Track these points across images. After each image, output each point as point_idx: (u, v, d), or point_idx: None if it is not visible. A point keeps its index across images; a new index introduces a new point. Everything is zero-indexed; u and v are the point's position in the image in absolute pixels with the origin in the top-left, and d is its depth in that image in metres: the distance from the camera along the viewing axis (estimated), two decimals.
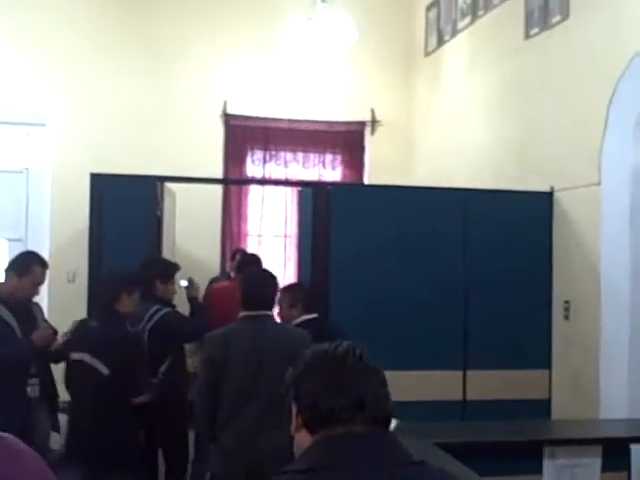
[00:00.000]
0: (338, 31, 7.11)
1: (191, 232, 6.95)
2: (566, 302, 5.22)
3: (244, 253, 6.56)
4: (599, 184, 4.87)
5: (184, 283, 5.12)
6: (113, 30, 7.43)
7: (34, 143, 7.33)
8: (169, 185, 5.83)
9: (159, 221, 5.42)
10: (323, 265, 5.19)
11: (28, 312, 4.37)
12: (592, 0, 5.05)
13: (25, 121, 7.26)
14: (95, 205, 5.15)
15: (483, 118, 6.56)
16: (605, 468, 3.67)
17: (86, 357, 4.06)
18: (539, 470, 3.64)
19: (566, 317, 5.22)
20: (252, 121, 7.75)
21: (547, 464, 3.64)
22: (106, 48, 7.41)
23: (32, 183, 7.33)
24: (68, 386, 4.29)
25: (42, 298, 5.29)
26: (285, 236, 7.78)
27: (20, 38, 7.26)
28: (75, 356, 4.14)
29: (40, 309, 4.60)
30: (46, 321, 4.49)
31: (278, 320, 4.31)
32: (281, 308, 4.47)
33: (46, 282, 4.58)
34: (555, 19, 5.40)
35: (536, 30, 5.66)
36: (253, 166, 7.85)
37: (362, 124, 7.98)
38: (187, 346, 5.11)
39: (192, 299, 5.11)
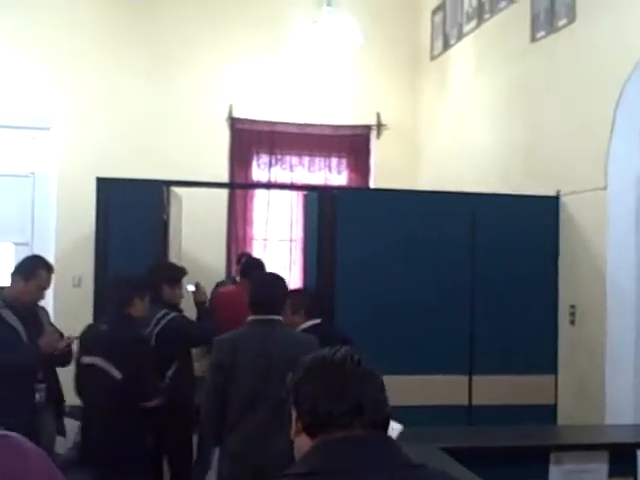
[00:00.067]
0: (343, 35, 7.12)
1: (197, 236, 6.95)
2: (572, 307, 5.20)
3: (249, 257, 6.56)
4: (605, 188, 4.85)
5: (191, 288, 5.11)
6: (118, 33, 7.44)
7: (40, 147, 7.36)
8: (175, 189, 5.83)
9: (165, 225, 5.41)
10: (329, 269, 5.18)
11: (34, 316, 4.36)
12: (598, 3, 5.03)
13: (31, 125, 7.27)
14: (101, 209, 5.15)
15: (489, 122, 6.54)
16: (612, 474, 3.67)
17: (98, 361, 4.04)
18: (545, 476, 3.63)
19: (572, 322, 5.20)
20: (258, 125, 7.75)
21: (553, 470, 3.63)
22: (111, 51, 7.42)
23: (38, 187, 7.35)
24: (79, 391, 4.26)
25: (47, 303, 5.28)
26: (291, 240, 7.77)
27: (21, 40, 7.24)
28: (86, 360, 4.12)
29: (46, 313, 4.59)
30: (52, 325, 4.48)
31: None
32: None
33: (51, 287, 4.58)
34: (561, 22, 5.39)
35: (542, 33, 5.64)
36: (259, 170, 7.84)
37: (368, 128, 7.97)
38: (194, 350, 5.10)
39: (199, 303, 5.10)
